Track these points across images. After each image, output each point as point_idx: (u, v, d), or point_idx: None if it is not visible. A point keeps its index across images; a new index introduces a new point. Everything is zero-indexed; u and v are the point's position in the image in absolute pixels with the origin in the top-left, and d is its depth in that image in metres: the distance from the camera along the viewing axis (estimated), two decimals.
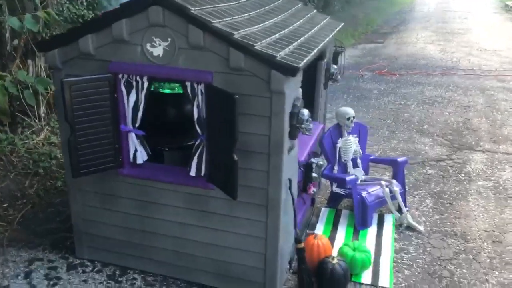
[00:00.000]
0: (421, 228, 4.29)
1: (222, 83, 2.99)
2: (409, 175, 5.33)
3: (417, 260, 3.89)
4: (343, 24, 4.58)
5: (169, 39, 3.01)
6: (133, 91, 3.22)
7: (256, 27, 3.26)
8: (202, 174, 3.24)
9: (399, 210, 4.39)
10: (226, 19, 3.09)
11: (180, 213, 3.43)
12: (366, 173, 4.77)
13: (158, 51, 3.06)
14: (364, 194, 4.33)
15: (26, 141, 5.48)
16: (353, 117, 4.48)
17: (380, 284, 3.59)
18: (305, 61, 2.97)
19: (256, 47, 2.83)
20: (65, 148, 3.32)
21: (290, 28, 3.63)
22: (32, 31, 4.47)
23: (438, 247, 4.05)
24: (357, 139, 4.61)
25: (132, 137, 3.34)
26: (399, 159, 4.63)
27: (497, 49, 12.42)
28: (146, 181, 3.43)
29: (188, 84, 3.07)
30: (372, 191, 4.40)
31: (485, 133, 6.63)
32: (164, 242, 3.56)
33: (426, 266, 3.81)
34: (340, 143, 4.48)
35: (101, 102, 3.18)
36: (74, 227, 3.78)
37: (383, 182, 4.41)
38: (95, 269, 3.73)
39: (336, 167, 4.50)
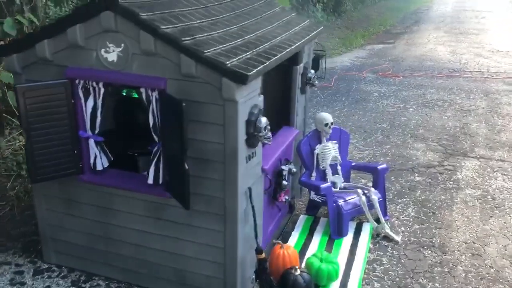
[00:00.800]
0: (398, 238, 4.17)
1: (175, 90, 2.92)
2: (395, 182, 5.20)
3: (389, 272, 3.76)
4: (322, 28, 4.48)
5: (122, 45, 2.96)
6: (91, 97, 3.18)
7: (218, 32, 3.19)
8: (160, 182, 3.19)
9: (378, 219, 4.27)
10: (183, 24, 3.02)
11: (140, 221, 3.38)
12: (347, 180, 4.65)
13: (112, 56, 3.01)
14: (340, 202, 4.22)
15: (12, 142, 5.52)
16: (331, 123, 4.36)
17: None
18: (259, 68, 2.88)
19: (206, 54, 2.76)
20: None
21: (258, 32, 3.55)
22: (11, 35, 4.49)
23: (413, 259, 3.91)
24: (337, 145, 4.50)
25: (91, 143, 3.31)
26: (379, 167, 4.50)
27: (510, 51, 12.09)
28: (106, 187, 3.39)
29: (142, 90, 3.02)
30: (350, 199, 4.28)
31: (482, 138, 6.43)
32: (126, 249, 3.52)
33: (397, 279, 3.69)
34: (318, 149, 4.38)
35: (58, 108, 3.15)
36: (40, 232, 3.77)
37: (359, 190, 4.29)
38: (61, 275, 3.71)
39: (314, 174, 4.40)
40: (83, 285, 3.60)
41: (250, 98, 3.01)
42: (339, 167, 4.52)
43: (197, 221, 3.21)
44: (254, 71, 2.79)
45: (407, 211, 4.62)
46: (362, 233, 4.24)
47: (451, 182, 5.20)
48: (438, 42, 13.46)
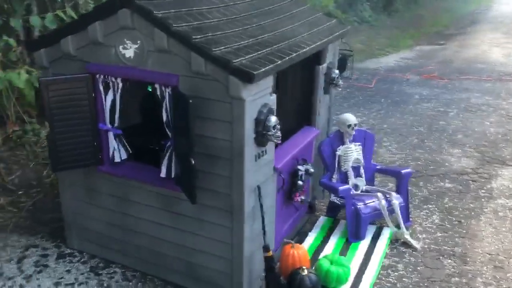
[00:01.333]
0: (417, 245, 4.06)
1: (187, 87, 2.99)
2: (423, 187, 5.06)
3: (404, 279, 3.68)
4: (349, 27, 4.41)
5: (139, 42, 3.06)
6: (110, 91, 3.31)
7: (234, 30, 3.23)
8: (172, 176, 3.27)
9: (399, 224, 4.18)
10: (198, 22, 3.08)
11: (154, 212, 3.48)
12: (371, 183, 4.57)
13: (129, 53, 3.12)
14: (359, 205, 4.16)
15: None
16: (355, 125, 4.30)
17: None
18: (268, 68, 2.90)
19: (215, 52, 2.81)
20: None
21: (277, 31, 3.56)
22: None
23: (431, 267, 3.80)
24: (361, 147, 4.43)
25: (111, 136, 3.44)
26: (403, 171, 4.39)
27: None
28: (124, 179, 3.51)
29: (157, 86, 3.11)
30: (369, 202, 4.21)
31: None
32: (141, 240, 3.64)
33: (411, 286, 3.60)
34: (340, 151, 4.33)
35: (80, 101, 3.30)
36: (64, 219, 3.96)
37: (379, 194, 4.20)
38: (81, 260, 3.88)
39: (335, 176, 4.35)
40: (101, 272, 3.76)
41: (260, 96, 3.03)
42: (362, 170, 4.45)
43: (206, 215, 3.27)
44: (262, 70, 2.81)
45: (431, 218, 4.49)
46: (380, 238, 4.16)
47: (484, 191, 4.99)
48: (493, 44, 12.90)
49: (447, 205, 4.71)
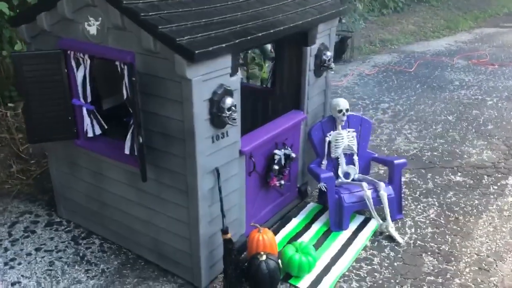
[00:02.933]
0: (400, 240, 3.84)
1: (142, 65, 2.99)
2: (430, 179, 4.76)
3: (375, 273, 3.51)
4: (346, 7, 4.18)
5: (100, 19, 3.09)
6: (81, 67, 3.38)
7: (196, 8, 3.13)
8: (136, 153, 3.31)
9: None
10: (158, 0, 3.05)
11: (123, 188, 3.55)
12: (366, 172, 4.37)
13: (92, 30, 3.16)
14: (344, 194, 4.00)
15: None
16: (346, 110, 4.10)
17: None
18: (217, 47, 2.82)
19: (162, 30, 2.77)
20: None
21: (254, 10, 3.45)
22: None
23: (409, 264, 3.59)
24: (355, 134, 4.23)
25: (84, 111, 3.53)
26: (396, 161, 4.15)
27: None
28: (97, 154, 3.60)
29: (117, 63, 3.14)
30: (356, 192, 4.03)
31: None
32: (115, 214, 3.73)
33: (380, 281, 3.42)
34: (330, 136, 4.17)
35: (53, 77, 3.40)
36: (54, 189, 4.15)
37: (364, 184, 4.01)
38: (66, 229, 4.06)
39: (324, 162, 4.20)
40: (80, 241, 3.91)
41: (214, 77, 2.96)
42: (355, 158, 4.26)
43: (166, 194, 3.29)
44: (205, 49, 2.74)
45: (427, 212, 4.23)
46: (364, 229, 3.99)
47: (496, 187, 4.61)
48: None
49: (449, 200, 4.41)
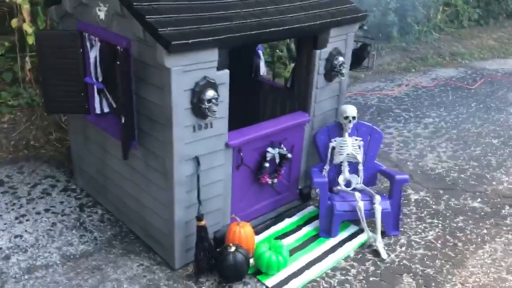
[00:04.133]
0: (384, 256, 3.73)
1: (136, 51, 3.20)
2: (444, 201, 4.54)
3: (346, 284, 3.45)
4: (365, 13, 4.09)
5: (107, 5, 3.33)
6: (94, 48, 3.66)
7: (198, 2, 3.28)
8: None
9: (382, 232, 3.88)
10: None
11: (120, 165, 3.79)
12: (372, 183, 4.27)
13: (102, 15, 3.41)
14: (337, 201, 3.95)
15: None
16: (353, 118, 4.04)
17: None
18: (198, 40, 2.94)
19: (148, 19, 2.93)
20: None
21: (261, 8, 3.51)
22: None
23: (385, 281, 3.49)
24: (361, 143, 4.15)
25: (94, 89, 3.81)
26: (397, 176, 4.01)
27: None
28: (101, 130, 3.88)
29: (118, 48, 3.36)
30: (350, 201, 3.97)
31: None
32: (114, 188, 4.00)
33: None
34: (334, 142, 4.13)
35: (70, 55, 3.71)
36: (72, 159, 4.52)
37: (357, 194, 3.93)
38: (77, 197, 4.41)
39: (327, 167, 4.17)
40: (85, 209, 4.24)
41: (197, 68, 3.09)
42: (360, 167, 4.18)
43: (151, 175, 3.48)
44: (182, 41, 2.87)
45: (426, 234, 4.05)
46: (353, 240, 3.92)
47: None
48: None
49: (455, 225, 4.18)
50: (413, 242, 3.93)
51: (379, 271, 3.59)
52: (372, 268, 3.62)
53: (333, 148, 4.14)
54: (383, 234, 3.98)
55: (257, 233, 3.95)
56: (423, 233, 4.05)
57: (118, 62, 3.00)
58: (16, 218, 4.06)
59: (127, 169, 3.73)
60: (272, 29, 3.40)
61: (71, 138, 4.43)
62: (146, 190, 3.59)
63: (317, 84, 4.04)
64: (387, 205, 3.96)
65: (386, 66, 8.76)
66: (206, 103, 3.13)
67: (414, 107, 6.92)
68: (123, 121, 3.15)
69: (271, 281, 3.45)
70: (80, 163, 4.41)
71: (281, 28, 3.46)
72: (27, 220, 4.04)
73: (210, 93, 3.13)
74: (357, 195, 3.93)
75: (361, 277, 3.52)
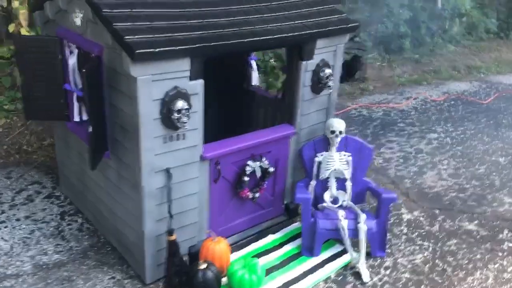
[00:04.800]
0: (367, 278, 3.54)
1: (107, 58, 3.12)
2: (438, 222, 4.34)
3: None
4: (356, 24, 3.93)
5: (83, 11, 3.26)
6: (72, 55, 3.60)
7: (171, 11, 3.18)
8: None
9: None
10: None
11: (95, 174, 3.71)
12: (360, 201, 4.08)
13: (78, 21, 3.35)
14: (320, 219, 3.79)
15: None
16: (340, 132, 3.87)
17: None
18: (163, 49, 2.83)
19: (116, 26, 2.84)
20: None
21: (241, 17, 3.41)
22: None
23: None
24: (349, 158, 3.98)
25: (74, 96, 3.75)
26: (384, 195, 3.82)
27: None
28: (79, 138, 3.81)
29: (92, 55, 3.29)
30: (335, 219, 3.79)
31: None
32: (93, 197, 3.92)
33: None
34: (320, 157, 3.96)
35: (50, 61, 3.65)
36: (58, 165, 4.46)
37: (340, 212, 3.75)
38: (60, 204, 4.35)
39: (313, 182, 4.00)
40: (66, 217, 4.17)
41: (166, 78, 2.98)
42: (348, 183, 4.00)
43: (122, 185, 3.39)
44: (146, 50, 2.77)
45: (415, 256, 3.84)
46: (336, 260, 3.74)
47: (511, 245, 4.05)
48: None
49: (447, 248, 3.96)
50: (399, 265, 3.73)
51: None
52: None
53: (319, 163, 3.98)
54: (369, 255, 3.79)
55: (237, 249, 3.82)
56: (411, 256, 3.85)
57: (83, 70, 2.91)
58: None
59: (102, 178, 3.65)
60: (251, 39, 3.29)
61: (56, 144, 4.38)
62: (119, 201, 3.49)
63: (303, 97, 3.90)
64: (372, 224, 3.77)
65: (396, 78, 8.54)
66: (175, 114, 3.02)
67: (420, 121, 6.70)
68: (89, 130, 3.06)
69: None
70: (64, 170, 4.35)
71: (261, 38, 3.33)
72: (5, 227, 3.99)
73: (179, 104, 3.02)
74: (341, 213, 3.76)
75: None
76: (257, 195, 3.81)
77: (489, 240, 4.10)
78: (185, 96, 3.09)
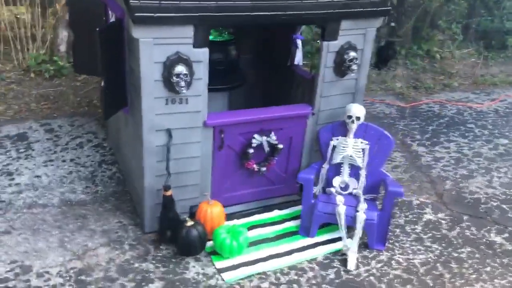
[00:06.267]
0: (352, 266, 3.47)
1: (126, 22, 3.40)
2: (462, 228, 4.04)
3: (293, 285, 3.31)
4: (388, 8, 3.75)
5: None
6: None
7: None
8: None
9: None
10: None
11: (124, 128, 4.07)
12: (374, 192, 3.96)
13: None
14: (321, 201, 3.77)
15: None
16: (357, 118, 3.79)
17: (223, 276, 3.35)
18: (165, 15, 3.03)
19: None
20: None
21: None
22: None
23: None
24: (367, 146, 3.87)
25: None
26: (390, 188, 3.66)
27: None
28: None
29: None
30: (336, 204, 3.75)
31: None
32: (123, 149, 4.30)
33: None
34: (335, 141, 3.91)
35: (96, 22, 4.05)
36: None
37: (339, 198, 3.68)
38: (103, 153, 4.82)
39: (326, 166, 3.97)
40: (103, 165, 4.63)
41: (169, 43, 3.19)
42: (362, 172, 3.90)
43: (135, 140, 3.67)
44: (145, 14, 2.98)
45: (415, 256, 3.66)
46: (329, 244, 3.72)
47: None
48: None
49: (455, 255, 3.70)
50: (393, 262, 3.60)
51: (337, 281, 3.37)
52: (331, 276, 3.41)
53: (334, 147, 3.93)
54: (367, 246, 3.70)
55: (239, 217, 3.96)
56: (411, 255, 3.68)
57: (97, 29, 3.23)
58: (45, 161, 4.61)
59: (127, 133, 4.00)
60: (263, 13, 3.35)
61: None
62: (133, 155, 3.82)
63: (324, 78, 3.86)
64: (373, 216, 3.66)
65: (489, 77, 7.85)
66: (174, 78, 3.22)
67: (494, 125, 6.15)
68: (102, 84, 3.39)
69: (221, 263, 3.46)
70: (110, 124, 4.82)
71: (274, 13, 3.37)
72: (51, 165, 4.57)
73: (179, 69, 3.22)
74: (339, 198, 3.70)
75: (314, 282, 3.35)
76: (263, 169, 3.90)
77: (506, 256, 3.74)
78: (187, 62, 3.27)
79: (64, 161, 4.65)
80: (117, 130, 4.44)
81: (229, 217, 3.92)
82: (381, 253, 3.68)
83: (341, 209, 3.66)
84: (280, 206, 4.16)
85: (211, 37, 4.45)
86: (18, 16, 6.35)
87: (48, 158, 4.66)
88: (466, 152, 5.40)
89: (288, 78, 4.75)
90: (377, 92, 6.95)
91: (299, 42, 4.74)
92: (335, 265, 3.53)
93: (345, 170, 3.95)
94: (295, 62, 4.73)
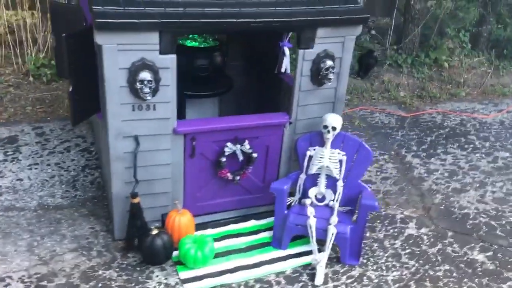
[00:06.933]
0: (319, 281, 3.36)
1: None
2: (443, 245, 3.88)
3: None
4: (366, 16, 3.64)
5: None
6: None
7: None
8: None
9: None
10: None
11: (102, 132, 4.07)
12: (352, 204, 3.84)
13: None
14: (293, 213, 3.67)
15: None
16: (333, 128, 3.68)
17: (185, 287, 3.29)
18: (126, 21, 3.00)
19: None
20: None
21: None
22: None
23: None
24: (343, 158, 3.76)
25: None
26: (364, 201, 3.54)
27: None
28: None
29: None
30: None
31: None
32: (103, 155, 4.30)
33: None
34: (312, 151, 3.81)
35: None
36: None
37: (310, 209, 3.58)
38: (88, 158, 4.83)
39: (303, 176, 3.87)
40: (86, 170, 4.64)
41: (134, 49, 3.15)
42: (339, 183, 3.79)
43: (106, 145, 3.62)
44: (106, 20, 2.96)
45: (389, 273, 3.52)
46: (301, 258, 3.61)
47: None
48: None
49: (432, 273, 3.55)
50: (365, 278, 3.47)
51: None
52: None
53: (311, 157, 3.83)
54: (339, 260, 3.59)
55: (213, 226, 3.90)
56: (385, 272, 3.54)
57: (63, 35, 3.23)
58: (30, 165, 4.65)
59: (102, 138, 3.99)
60: (232, 20, 3.29)
61: None
62: (107, 161, 3.80)
63: (301, 86, 3.77)
64: (345, 229, 3.55)
65: (499, 87, 7.60)
66: (138, 84, 3.19)
67: (496, 137, 5.93)
68: (70, 89, 3.39)
69: (186, 274, 3.40)
70: (96, 128, 4.83)
71: (244, 20, 3.31)
72: (35, 168, 4.60)
73: (143, 75, 3.18)
74: (310, 210, 3.60)
75: None
76: (237, 178, 3.83)
77: (490, 275, 3.57)
78: (152, 69, 3.23)
79: (49, 164, 4.68)
80: (98, 135, 4.45)
81: (204, 226, 3.87)
82: (353, 268, 3.55)
83: (312, 222, 3.56)
84: (258, 216, 4.08)
85: (195, 44, 4.49)
86: (18, 20, 6.46)
87: (33, 162, 4.70)
88: (462, 165, 5.21)
89: (276, 85, 4.68)
90: (379, 101, 6.80)
91: (286, 49, 4.66)
92: (303, 279, 3.43)
93: (322, 181, 3.84)
94: (282, 70, 4.66)
